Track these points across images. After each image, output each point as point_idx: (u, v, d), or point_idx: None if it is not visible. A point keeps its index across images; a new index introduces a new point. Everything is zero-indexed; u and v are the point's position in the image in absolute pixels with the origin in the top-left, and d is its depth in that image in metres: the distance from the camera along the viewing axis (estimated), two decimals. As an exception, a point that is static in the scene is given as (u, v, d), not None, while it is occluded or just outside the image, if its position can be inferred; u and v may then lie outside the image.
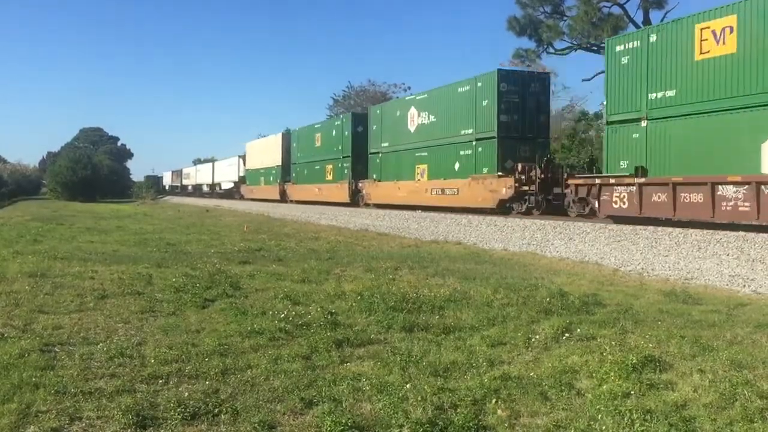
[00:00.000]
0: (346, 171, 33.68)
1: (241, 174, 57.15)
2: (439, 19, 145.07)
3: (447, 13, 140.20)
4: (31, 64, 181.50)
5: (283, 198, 43.24)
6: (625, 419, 4.25)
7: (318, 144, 37.80)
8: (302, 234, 20.40)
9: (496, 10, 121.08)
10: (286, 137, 43.89)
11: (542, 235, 16.44)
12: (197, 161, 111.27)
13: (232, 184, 62.07)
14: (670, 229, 14.12)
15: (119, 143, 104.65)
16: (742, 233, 12.77)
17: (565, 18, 38.89)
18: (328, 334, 6.40)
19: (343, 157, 34.04)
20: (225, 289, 8.94)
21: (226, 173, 65.21)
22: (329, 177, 36.01)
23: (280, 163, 43.96)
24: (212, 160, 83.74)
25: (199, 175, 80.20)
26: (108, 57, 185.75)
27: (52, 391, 4.73)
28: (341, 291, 8.89)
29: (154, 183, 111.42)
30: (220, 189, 67.62)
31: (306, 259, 12.83)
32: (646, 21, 35.80)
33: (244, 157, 55.59)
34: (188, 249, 15.05)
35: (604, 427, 4.13)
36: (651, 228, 14.57)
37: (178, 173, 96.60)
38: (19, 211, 39.57)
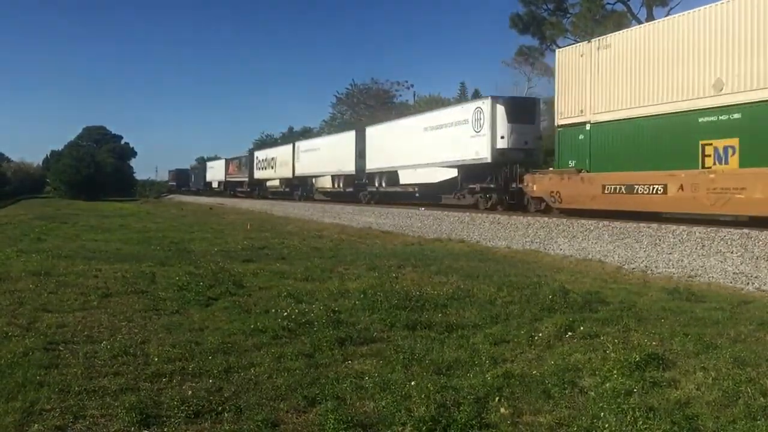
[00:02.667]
0: None
1: (501, 145, 22.39)
2: (441, 16, 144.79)
3: (449, 10, 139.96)
4: (34, 62, 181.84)
5: None
6: (628, 417, 4.24)
7: None
8: (305, 232, 20.41)
9: (500, 7, 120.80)
10: None
11: (545, 233, 16.42)
12: (200, 159, 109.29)
13: (453, 174, 25.58)
14: (674, 227, 14.08)
15: (123, 141, 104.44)
16: (746, 230, 12.72)
17: (568, 15, 38.82)
18: (331, 332, 6.41)
19: None
20: (228, 288, 8.96)
21: (423, 151, 27.14)
22: None
23: None
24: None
25: (305, 161, 42.49)
26: (111, 56, 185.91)
27: (56, 390, 4.75)
28: (344, 289, 8.90)
29: (181, 179, 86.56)
30: (379, 185, 32.50)
31: (309, 258, 12.83)
32: (650, 18, 35.71)
33: (509, 104, 22.70)
34: (191, 247, 15.07)
35: (606, 425, 4.13)
36: (655, 225, 14.53)
37: (241, 162, 59.00)
38: (23, 209, 39.70)
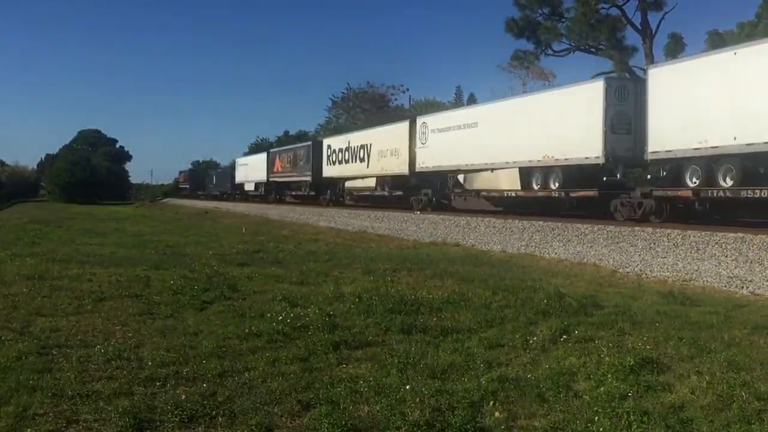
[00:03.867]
0: None
1: None
2: (436, 20, 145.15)
3: (444, 14, 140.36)
4: (29, 65, 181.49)
5: None
6: (623, 421, 4.25)
7: None
8: (301, 236, 20.39)
9: (495, 11, 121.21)
10: None
11: (541, 236, 16.44)
12: (196, 163, 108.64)
13: None
14: (668, 231, 14.12)
15: (117, 145, 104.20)
16: (740, 234, 12.77)
17: (563, 19, 38.92)
18: (326, 336, 6.40)
19: None
20: (223, 292, 8.94)
21: None
22: None
23: None
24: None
25: (438, 145, 25.35)
26: (106, 60, 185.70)
27: (50, 394, 4.72)
28: (340, 293, 8.88)
29: (197, 181, 71.67)
30: (710, 184, 14.76)
31: (304, 261, 12.81)
32: (644, 23, 35.90)
33: None
34: (186, 251, 15.03)
35: (601, 429, 4.13)
36: (650, 229, 14.57)
37: (297, 155, 42.06)
38: (17, 213, 39.55)
